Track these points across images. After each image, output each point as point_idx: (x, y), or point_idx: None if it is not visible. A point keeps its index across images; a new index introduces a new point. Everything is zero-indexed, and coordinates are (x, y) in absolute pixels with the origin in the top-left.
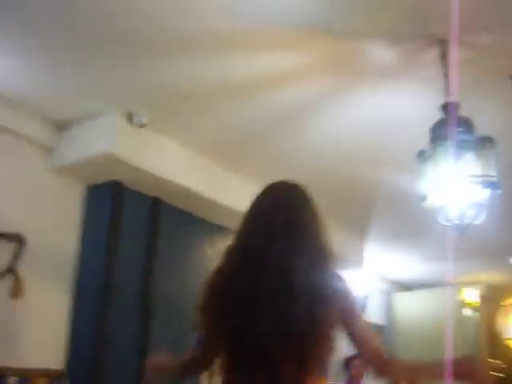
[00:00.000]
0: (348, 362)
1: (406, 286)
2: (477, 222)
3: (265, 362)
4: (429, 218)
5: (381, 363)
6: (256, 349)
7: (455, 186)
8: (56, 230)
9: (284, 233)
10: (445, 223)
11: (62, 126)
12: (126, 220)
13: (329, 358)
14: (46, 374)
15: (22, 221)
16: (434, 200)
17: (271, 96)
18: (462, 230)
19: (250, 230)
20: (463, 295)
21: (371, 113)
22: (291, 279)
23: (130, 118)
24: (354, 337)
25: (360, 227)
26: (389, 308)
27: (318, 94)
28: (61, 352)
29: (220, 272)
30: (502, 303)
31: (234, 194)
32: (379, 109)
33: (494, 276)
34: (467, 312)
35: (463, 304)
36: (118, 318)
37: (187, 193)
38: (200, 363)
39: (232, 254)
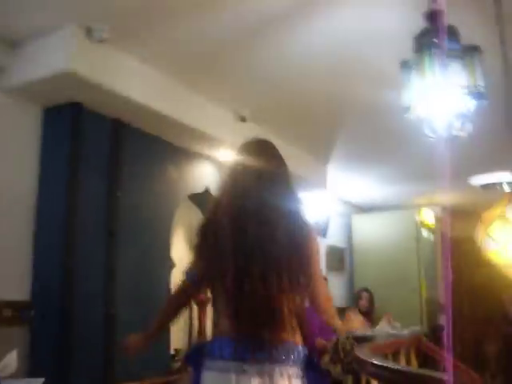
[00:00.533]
0: None
1: (365, 209)
2: (463, 134)
3: (260, 292)
4: (394, 138)
5: (323, 313)
6: (252, 282)
7: (441, 96)
8: (12, 156)
9: (258, 188)
10: (430, 135)
11: (14, 43)
12: (87, 144)
13: (308, 286)
14: (12, 304)
15: None
16: (418, 111)
17: (240, 5)
18: (448, 141)
19: (231, 188)
20: (420, 217)
21: (347, 25)
22: (272, 228)
23: (89, 32)
24: (310, 292)
25: (324, 149)
26: (348, 230)
27: (291, 4)
28: (27, 283)
29: (212, 222)
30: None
31: (198, 115)
32: (354, 21)
33: (452, 197)
34: (424, 233)
35: (420, 225)
36: (82, 246)
37: (150, 113)
38: (189, 299)
39: (220, 208)
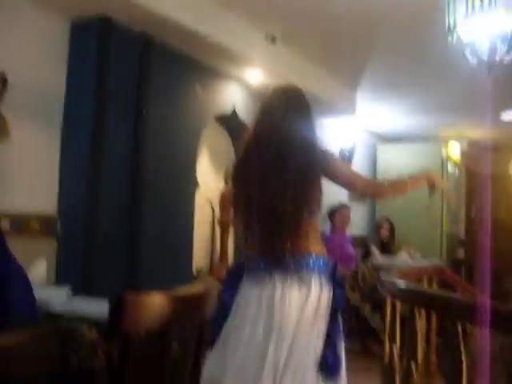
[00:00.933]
0: (331, 214)
1: (391, 139)
2: (508, 59)
3: (273, 214)
4: (427, 65)
5: (371, 192)
6: (266, 206)
7: (487, 16)
8: (41, 67)
9: (281, 126)
10: (471, 60)
11: None
12: (115, 59)
13: (315, 207)
14: (38, 217)
15: (2, 58)
16: (461, 33)
17: None
18: (491, 66)
19: (259, 125)
20: (447, 150)
21: None
22: (286, 160)
23: None
24: (342, 183)
25: (354, 75)
26: (373, 160)
27: None
28: (53, 196)
29: (242, 160)
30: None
31: (228, 33)
32: None
33: (481, 132)
34: (450, 167)
35: (446, 159)
36: (109, 162)
37: (179, 28)
38: None
39: (247, 148)
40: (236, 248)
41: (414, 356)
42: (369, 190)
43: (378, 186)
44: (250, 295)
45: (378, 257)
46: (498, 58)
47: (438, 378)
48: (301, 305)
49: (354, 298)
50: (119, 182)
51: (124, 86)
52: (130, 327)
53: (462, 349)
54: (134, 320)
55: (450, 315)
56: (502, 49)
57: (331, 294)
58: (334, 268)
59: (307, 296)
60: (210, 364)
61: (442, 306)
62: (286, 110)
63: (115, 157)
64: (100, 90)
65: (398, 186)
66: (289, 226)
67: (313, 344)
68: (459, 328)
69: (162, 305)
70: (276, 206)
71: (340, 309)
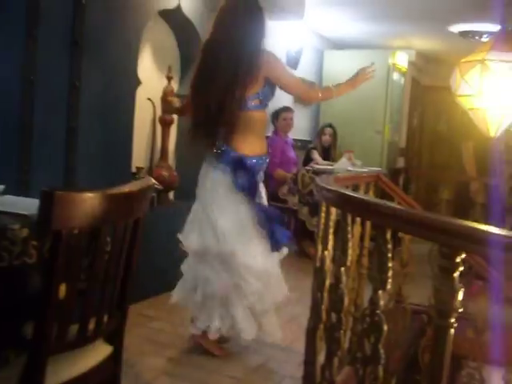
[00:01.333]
0: (274, 117)
1: (339, 45)
2: None
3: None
4: None
5: (306, 96)
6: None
7: None
8: None
9: (226, 27)
10: None
11: None
12: None
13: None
14: None
15: None
16: None
17: None
18: None
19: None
20: (394, 59)
21: None
22: (220, 60)
23: None
24: (281, 85)
25: None
26: (320, 65)
27: None
28: None
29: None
30: (461, 60)
31: None
32: None
33: (429, 43)
34: (396, 77)
35: (392, 68)
36: (44, 55)
37: None
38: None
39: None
40: (177, 146)
41: (344, 260)
42: (303, 94)
43: (310, 91)
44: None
45: (318, 161)
46: None
47: (367, 283)
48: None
49: (293, 201)
50: (56, 76)
51: None
52: (62, 224)
53: (390, 255)
54: (65, 217)
55: (380, 222)
56: None
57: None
58: (239, 161)
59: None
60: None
61: (372, 212)
62: (236, 14)
63: (52, 48)
64: None
65: (326, 92)
66: (213, 120)
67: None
68: (388, 234)
69: (95, 202)
70: (205, 102)
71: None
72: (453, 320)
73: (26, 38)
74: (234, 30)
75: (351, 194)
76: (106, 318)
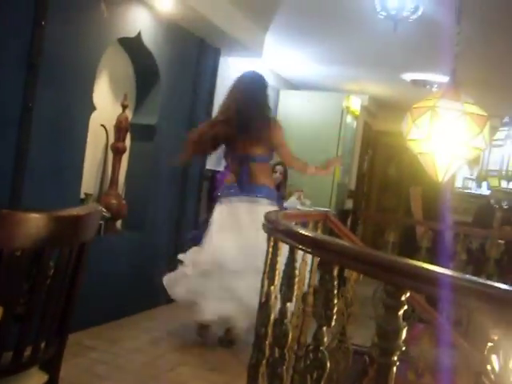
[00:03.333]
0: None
1: (295, 86)
2: (414, 16)
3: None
4: (339, 14)
5: (293, 164)
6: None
7: None
8: None
9: (248, 101)
10: (381, 13)
11: None
12: None
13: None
14: None
15: None
16: None
17: None
18: (397, 22)
19: (235, 95)
20: (347, 102)
21: None
22: (252, 120)
23: None
24: (279, 151)
25: (266, 14)
26: (275, 104)
27: None
28: None
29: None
30: (413, 106)
31: None
32: None
33: (382, 88)
34: (349, 120)
35: (346, 111)
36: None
37: None
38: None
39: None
40: (128, 175)
41: (289, 297)
42: (293, 163)
43: (300, 162)
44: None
45: None
46: (405, 14)
47: (311, 321)
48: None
49: None
50: (9, 96)
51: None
52: (3, 244)
53: (335, 292)
54: (7, 237)
55: (328, 258)
56: (410, 5)
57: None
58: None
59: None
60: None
61: (320, 248)
62: (254, 88)
63: (6, 69)
64: None
65: (309, 169)
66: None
67: None
68: (335, 271)
69: (40, 224)
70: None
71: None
72: (395, 358)
73: None
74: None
75: (299, 229)
76: (43, 346)
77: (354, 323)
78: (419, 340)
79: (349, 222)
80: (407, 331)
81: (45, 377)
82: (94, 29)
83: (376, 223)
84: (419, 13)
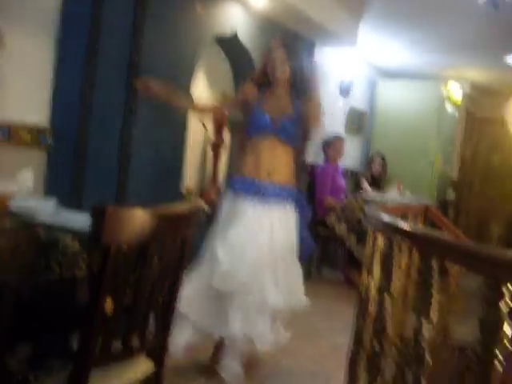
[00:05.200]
0: (325, 145)
1: (392, 75)
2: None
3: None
4: (432, 1)
5: None
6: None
7: None
8: None
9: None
10: None
11: None
12: None
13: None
14: (29, 128)
15: None
16: None
17: None
18: (497, 3)
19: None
20: (447, 90)
21: None
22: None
23: None
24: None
25: (358, 3)
26: (372, 94)
27: None
28: (46, 108)
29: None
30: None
31: None
32: None
33: (483, 74)
34: (449, 108)
35: (445, 99)
36: (103, 82)
37: None
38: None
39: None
40: (229, 169)
41: (388, 289)
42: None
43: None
44: None
45: (367, 190)
46: None
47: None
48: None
49: (341, 228)
50: (113, 97)
51: (123, 1)
52: (111, 240)
53: (436, 286)
54: (114, 233)
55: (428, 251)
56: None
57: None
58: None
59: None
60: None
61: (419, 241)
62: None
63: (110, 71)
64: (96, 10)
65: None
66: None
67: None
68: (434, 265)
69: (144, 220)
70: None
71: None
72: (498, 352)
73: (85, 65)
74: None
75: (398, 222)
76: (149, 335)
77: (458, 318)
78: None
79: (451, 214)
80: None
81: (151, 364)
82: (192, 29)
83: (480, 214)
84: None
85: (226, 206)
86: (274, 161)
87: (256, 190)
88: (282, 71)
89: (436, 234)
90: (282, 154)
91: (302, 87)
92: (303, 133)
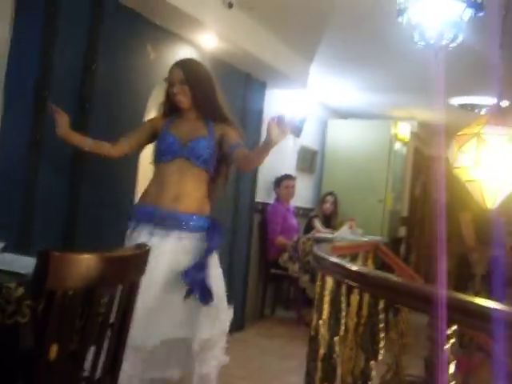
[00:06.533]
0: (276, 184)
1: (342, 115)
2: (453, 45)
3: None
4: (382, 44)
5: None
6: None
7: (436, 2)
8: None
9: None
10: (419, 42)
11: None
12: (65, 15)
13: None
14: None
15: None
16: (411, 15)
17: None
18: (438, 50)
19: None
20: (396, 129)
21: None
22: None
23: None
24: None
25: (310, 46)
26: (323, 133)
27: None
28: None
29: None
30: (458, 133)
31: None
32: None
33: (430, 114)
34: (398, 146)
35: (395, 137)
36: (53, 123)
37: None
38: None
39: None
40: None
41: (337, 330)
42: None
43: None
44: None
45: (320, 229)
46: (444, 43)
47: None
48: None
49: (294, 268)
50: (62, 144)
51: (73, 42)
52: (56, 285)
53: (381, 326)
54: (59, 278)
55: (374, 292)
56: (448, 34)
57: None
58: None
59: None
60: None
61: (365, 282)
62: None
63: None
64: (47, 47)
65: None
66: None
67: None
68: (380, 305)
69: (90, 264)
70: None
71: None
72: None
73: (34, 112)
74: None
75: (345, 263)
76: (96, 381)
77: (409, 353)
78: (479, 370)
79: (402, 250)
80: (466, 361)
81: None
82: (143, 70)
83: (431, 251)
84: (459, 41)
85: (127, 239)
86: (181, 186)
87: (157, 218)
88: (174, 93)
89: (381, 275)
90: (191, 178)
91: (211, 109)
92: (222, 156)
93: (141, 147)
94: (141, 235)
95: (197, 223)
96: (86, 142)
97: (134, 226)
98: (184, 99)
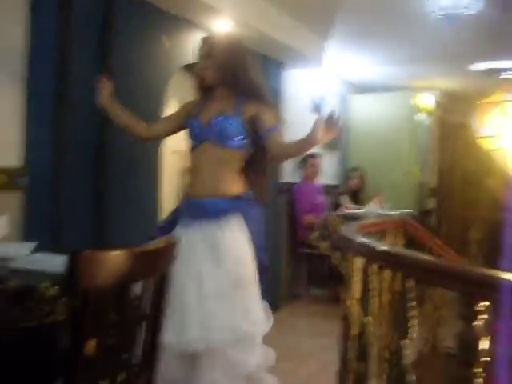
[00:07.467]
0: (302, 163)
1: (363, 89)
2: (471, 12)
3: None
4: (399, 14)
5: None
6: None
7: None
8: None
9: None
10: (436, 11)
11: None
12: (78, 11)
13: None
14: (6, 170)
15: None
16: None
17: None
18: (454, 19)
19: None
20: (418, 100)
21: None
22: None
23: None
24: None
25: (325, 24)
26: (345, 110)
27: None
28: (18, 149)
29: None
30: (480, 102)
31: None
32: None
33: (451, 82)
34: (421, 117)
35: (417, 108)
36: (74, 118)
37: None
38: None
39: None
40: None
41: (370, 308)
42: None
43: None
44: None
45: (347, 206)
46: (461, 10)
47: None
48: None
49: (324, 246)
50: (85, 134)
51: (88, 37)
52: (87, 283)
53: (411, 304)
54: (90, 275)
55: (403, 271)
56: (464, 2)
57: None
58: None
59: None
60: None
61: (394, 261)
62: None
63: (81, 108)
64: (63, 40)
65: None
66: None
67: None
68: (410, 284)
69: (120, 260)
70: None
71: None
72: (479, 370)
73: (55, 103)
74: None
75: (370, 244)
76: (135, 374)
77: (444, 325)
78: None
79: (432, 222)
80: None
81: None
82: (159, 60)
83: (460, 221)
84: (477, 8)
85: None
86: (208, 173)
87: (192, 211)
88: (200, 68)
89: (406, 254)
90: (217, 160)
91: (243, 86)
92: (258, 138)
93: (173, 133)
94: (180, 229)
95: (230, 205)
96: (122, 116)
97: (180, 220)
98: (209, 74)
